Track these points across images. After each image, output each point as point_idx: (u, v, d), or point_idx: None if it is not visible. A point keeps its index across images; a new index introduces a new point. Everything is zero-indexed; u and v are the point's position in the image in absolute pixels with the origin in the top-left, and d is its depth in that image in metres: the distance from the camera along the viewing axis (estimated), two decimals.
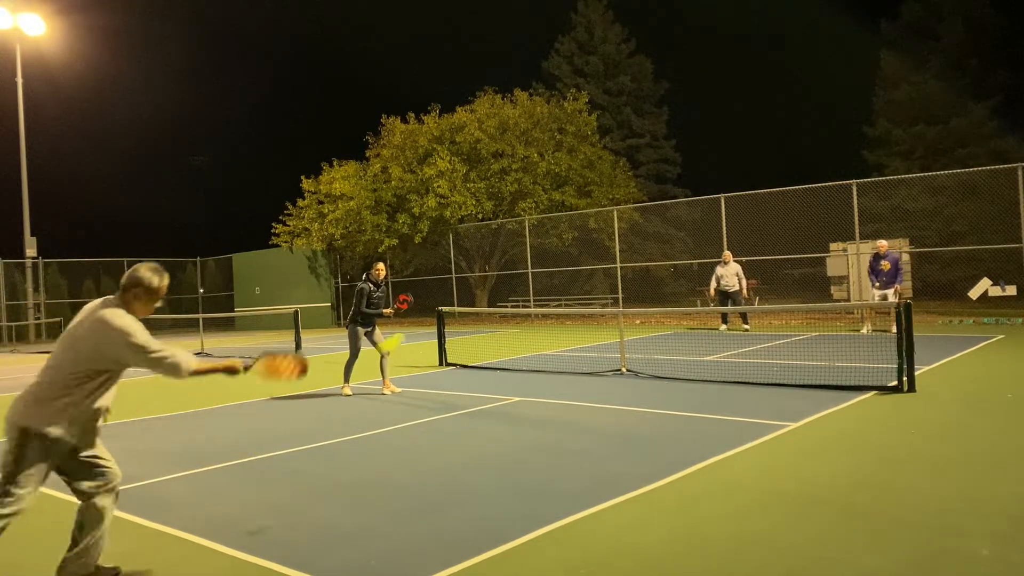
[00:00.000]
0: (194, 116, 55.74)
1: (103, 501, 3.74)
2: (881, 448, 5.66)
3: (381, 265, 9.71)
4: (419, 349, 15.46)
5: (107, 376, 3.64)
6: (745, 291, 16.48)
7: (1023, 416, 6.55)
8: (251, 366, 3.92)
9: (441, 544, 4.07)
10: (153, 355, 3.56)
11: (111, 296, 3.72)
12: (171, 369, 3.60)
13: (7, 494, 3.48)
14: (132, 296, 3.66)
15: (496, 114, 25.17)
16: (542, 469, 5.52)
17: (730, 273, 16.16)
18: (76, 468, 3.68)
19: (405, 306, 9.89)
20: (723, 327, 16.27)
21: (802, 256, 19.93)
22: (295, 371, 4.02)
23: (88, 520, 3.71)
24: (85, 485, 3.71)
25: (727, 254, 16.59)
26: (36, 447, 3.49)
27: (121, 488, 5.50)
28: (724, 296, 16.17)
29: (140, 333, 3.56)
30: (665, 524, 4.23)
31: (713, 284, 16.41)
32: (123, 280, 3.70)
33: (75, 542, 3.70)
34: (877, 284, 14.01)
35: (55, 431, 3.49)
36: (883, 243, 14.27)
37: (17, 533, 4.69)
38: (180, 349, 3.67)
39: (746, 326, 16.08)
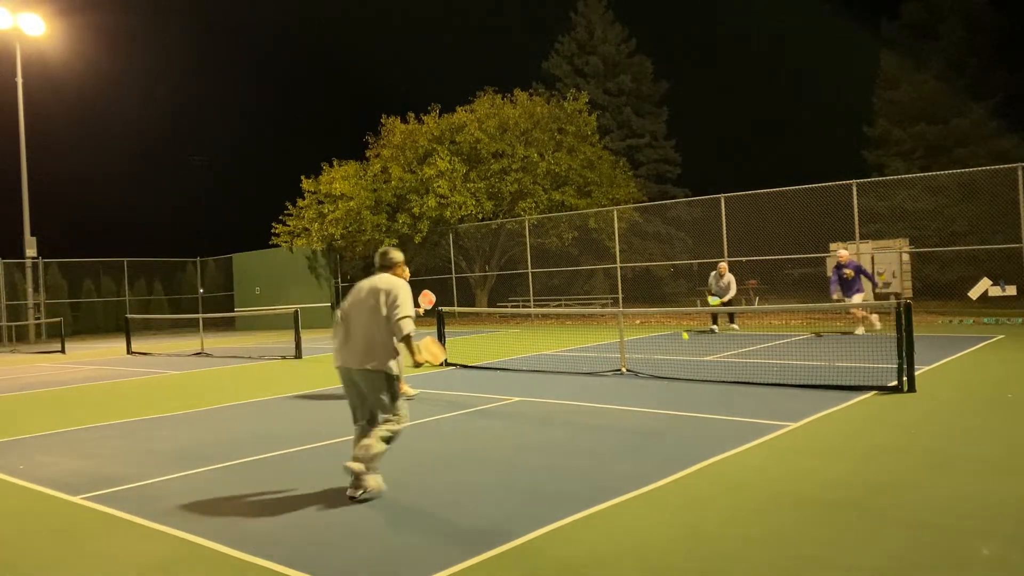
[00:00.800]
0: (194, 116, 55.82)
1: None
2: (881, 448, 5.66)
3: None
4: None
5: None
6: (733, 292, 16.25)
7: (1023, 416, 6.55)
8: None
9: (441, 544, 4.07)
10: (399, 308, 4.98)
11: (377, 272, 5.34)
12: (399, 327, 4.96)
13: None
14: (396, 269, 5.35)
15: (496, 114, 25.17)
16: (542, 469, 5.52)
17: (722, 285, 15.99)
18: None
19: (431, 302, 9.80)
20: (714, 328, 15.97)
21: (802, 256, 19.93)
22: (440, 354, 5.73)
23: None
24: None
25: (723, 267, 16.18)
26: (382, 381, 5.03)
27: (121, 488, 5.53)
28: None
29: (407, 292, 5.11)
30: (665, 524, 4.23)
31: (711, 286, 16.34)
32: (382, 261, 5.35)
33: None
34: (836, 296, 13.75)
35: (395, 369, 5.05)
36: (843, 252, 13.97)
37: (13, 534, 4.70)
38: (412, 322, 5.06)
39: (734, 326, 16.10)
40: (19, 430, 8.25)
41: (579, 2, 35.67)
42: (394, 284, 5.12)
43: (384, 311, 4.99)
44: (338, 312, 5.33)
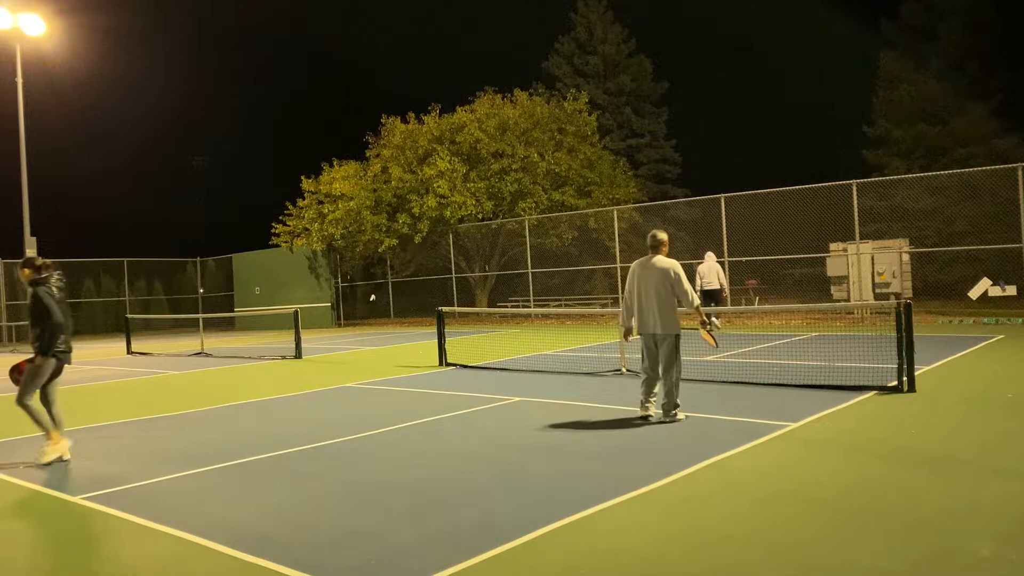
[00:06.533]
0: (194, 116, 55.76)
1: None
2: (881, 448, 5.66)
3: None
4: (419, 349, 15.47)
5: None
6: (727, 290, 16.00)
7: (1023, 416, 6.55)
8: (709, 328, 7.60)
9: (441, 544, 4.07)
10: (684, 284, 7.08)
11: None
12: (688, 298, 7.16)
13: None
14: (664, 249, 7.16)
15: (496, 114, 25.16)
16: (542, 469, 5.52)
17: (709, 271, 15.70)
18: None
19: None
20: (713, 325, 15.63)
21: (802, 256, 19.92)
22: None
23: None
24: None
25: (708, 254, 16.29)
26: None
27: (121, 488, 5.53)
28: (707, 296, 15.45)
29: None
30: (665, 524, 4.23)
31: (698, 282, 15.69)
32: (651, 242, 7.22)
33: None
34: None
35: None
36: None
37: (14, 533, 4.70)
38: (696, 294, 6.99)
39: (717, 324, 15.80)
40: (19, 430, 8.25)
41: (579, 2, 35.67)
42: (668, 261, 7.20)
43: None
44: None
